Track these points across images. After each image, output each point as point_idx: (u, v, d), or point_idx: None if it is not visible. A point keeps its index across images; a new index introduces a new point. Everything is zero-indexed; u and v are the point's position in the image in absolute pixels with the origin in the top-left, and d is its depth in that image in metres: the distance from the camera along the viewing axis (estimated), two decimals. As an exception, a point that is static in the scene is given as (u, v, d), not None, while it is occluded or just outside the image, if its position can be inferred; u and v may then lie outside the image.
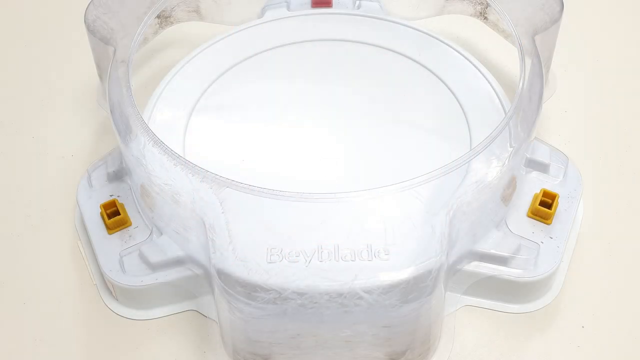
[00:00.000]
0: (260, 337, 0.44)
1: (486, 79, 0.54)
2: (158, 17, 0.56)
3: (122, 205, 0.50)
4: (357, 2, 0.61)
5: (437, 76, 0.55)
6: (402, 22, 0.59)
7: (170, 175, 0.45)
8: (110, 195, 0.51)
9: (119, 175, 0.51)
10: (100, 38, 0.51)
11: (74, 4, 0.62)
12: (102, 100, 0.53)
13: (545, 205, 0.49)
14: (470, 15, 0.58)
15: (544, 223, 0.49)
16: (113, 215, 0.49)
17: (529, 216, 0.49)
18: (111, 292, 0.49)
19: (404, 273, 0.42)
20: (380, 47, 0.57)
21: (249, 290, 0.42)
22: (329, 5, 0.61)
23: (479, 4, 0.57)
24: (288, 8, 0.60)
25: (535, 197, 0.50)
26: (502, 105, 0.53)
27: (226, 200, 0.44)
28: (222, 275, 0.43)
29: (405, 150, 0.51)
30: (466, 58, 0.56)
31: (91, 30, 0.51)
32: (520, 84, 0.48)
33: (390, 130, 0.52)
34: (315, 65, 0.57)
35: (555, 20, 0.51)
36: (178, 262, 0.47)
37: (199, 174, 0.44)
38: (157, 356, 0.47)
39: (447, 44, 0.57)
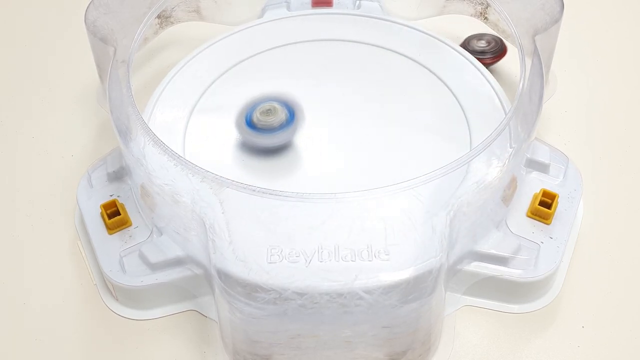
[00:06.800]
0: (260, 337, 0.44)
1: (486, 79, 0.54)
2: (158, 17, 0.56)
3: (122, 205, 0.50)
4: (357, 2, 0.61)
5: (437, 76, 0.55)
6: (402, 22, 0.59)
7: (170, 175, 0.45)
8: (111, 195, 0.51)
9: (119, 175, 0.51)
10: (100, 38, 0.51)
11: (74, 4, 0.62)
12: (102, 100, 0.53)
13: (544, 205, 0.49)
14: (471, 16, 0.58)
15: (544, 223, 0.49)
16: (113, 215, 0.49)
17: (528, 216, 0.49)
18: (111, 292, 0.49)
19: (404, 273, 0.42)
20: (380, 47, 0.57)
21: (249, 291, 0.42)
22: (329, 5, 0.61)
23: (479, 4, 0.57)
24: (288, 8, 0.60)
25: (535, 197, 0.50)
26: (503, 106, 0.53)
27: (226, 201, 0.44)
28: (222, 275, 0.43)
29: (405, 150, 0.51)
30: (466, 58, 0.56)
31: (91, 31, 0.51)
32: (521, 84, 0.48)
33: (390, 130, 0.52)
34: (315, 65, 0.56)
35: (556, 20, 0.51)
36: (178, 262, 0.47)
37: (199, 174, 0.44)
38: (157, 356, 0.47)
39: (447, 44, 0.57)
